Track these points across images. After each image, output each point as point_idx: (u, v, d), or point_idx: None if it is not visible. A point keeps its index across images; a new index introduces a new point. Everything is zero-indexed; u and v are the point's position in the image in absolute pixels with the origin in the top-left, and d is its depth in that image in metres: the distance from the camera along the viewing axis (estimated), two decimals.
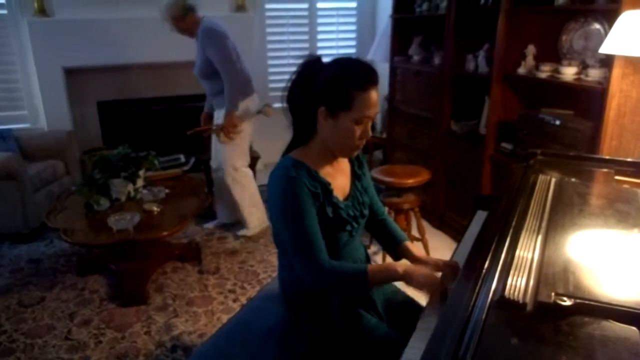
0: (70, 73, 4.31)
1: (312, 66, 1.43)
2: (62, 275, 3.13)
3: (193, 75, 3.45)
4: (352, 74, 1.36)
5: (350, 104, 1.35)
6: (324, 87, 1.37)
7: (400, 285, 1.58)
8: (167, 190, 3.21)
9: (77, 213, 2.99)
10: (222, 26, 3.25)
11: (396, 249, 1.65)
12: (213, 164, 3.60)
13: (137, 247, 2.95)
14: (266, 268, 3.20)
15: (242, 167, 3.53)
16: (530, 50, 2.85)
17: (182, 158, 4.07)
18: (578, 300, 0.97)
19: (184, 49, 3.64)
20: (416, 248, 1.66)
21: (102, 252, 3.18)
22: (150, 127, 4.71)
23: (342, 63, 1.40)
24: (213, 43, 3.16)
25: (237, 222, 3.75)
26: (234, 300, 2.84)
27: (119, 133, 4.49)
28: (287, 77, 1.47)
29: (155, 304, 2.83)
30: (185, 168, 3.84)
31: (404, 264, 1.44)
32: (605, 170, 1.78)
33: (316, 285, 1.42)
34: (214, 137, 3.49)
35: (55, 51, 4.08)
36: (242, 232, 3.65)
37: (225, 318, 2.60)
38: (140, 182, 3.15)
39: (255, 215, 3.64)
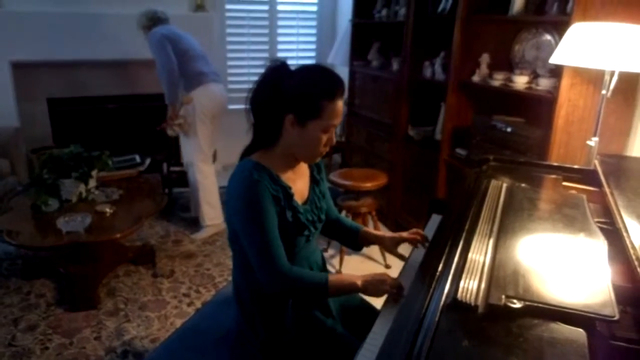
0: (19, 67, 4.13)
1: (278, 72, 1.42)
2: (6, 279, 2.99)
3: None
4: (321, 83, 1.37)
5: (319, 113, 1.36)
6: (293, 96, 1.37)
7: None
8: (121, 192, 3.13)
9: (23, 214, 2.87)
10: (170, 29, 3.43)
11: (356, 239, 1.69)
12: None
13: (88, 249, 2.85)
14: (222, 271, 3.16)
15: (199, 162, 3.55)
16: (485, 58, 2.93)
17: (138, 158, 3.97)
18: (527, 303, 0.99)
19: (141, 47, 3.57)
20: (373, 229, 1.72)
21: (49, 254, 3.06)
22: (104, 126, 4.58)
23: (311, 72, 1.41)
24: (152, 44, 3.37)
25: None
26: (189, 305, 2.79)
27: (70, 131, 4.35)
28: (246, 78, 1.47)
29: (106, 308, 2.74)
30: (141, 169, 3.74)
31: (359, 276, 1.45)
32: (553, 176, 1.85)
33: (275, 290, 1.41)
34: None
35: (3, 44, 3.92)
36: (194, 236, 3.65)
37: (179, 322, 2.55)
38: (92, 183, 3.05)
39: (209, 216, 3.64)
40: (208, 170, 3.61)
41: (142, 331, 2.55)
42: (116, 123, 4.63)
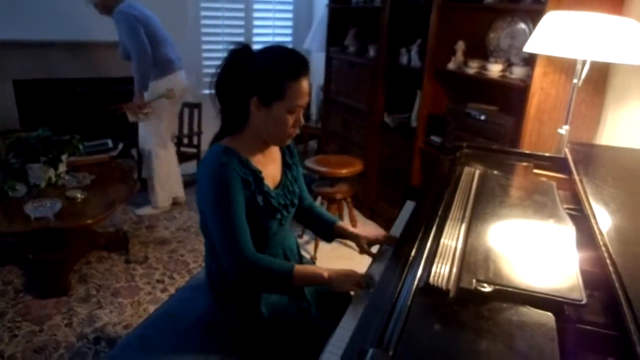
0: None
1: (241, 55, 1.40)
2: None
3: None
4: (284, 63, 1.36)
5: (283, 93, 1.35)
6: (256, 78, 1.36)
7: None
8: (92, 177, 3.06)
9: None
10: (139, 9, 3.33)
11: (331, 232, 1.69)
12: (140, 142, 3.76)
13: (58, 235, 2.80)
14: (197, 257, 3.14)
15: (158, 147, 3.60)
16: (460, 46, 2.95)
17: (110, 143, 3.88)
18: (497, 287, 1.01)
19: (110, 29, 3.48)
20: (349, 225, 1.72)
21: (17, 241, 2.99)
22: (74, 109, 4.46)
23: (273, 52, 1.39)
24: (124, 26, 3.27)
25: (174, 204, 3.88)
26: (162, 291, 2.77)
27: (38, 115, 4.23)
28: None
29: (77, 295, 2.70)
30: (113, 154, 3.67)
31: (326, 269, 1.44)
32: (525, 163, 1.87)
33: (239, 277, 1.41)
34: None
35: None
36: (139, 211, 3.71)
37: (152, 309, 2.52)
38: (62, 168, 2.97)
39: (161, 198, 3.72)
40: (165, 155, 3.67)
41: (114, 317, 2.52)
42: (87, 107, 4.52)
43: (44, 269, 2.75)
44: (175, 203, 3.87)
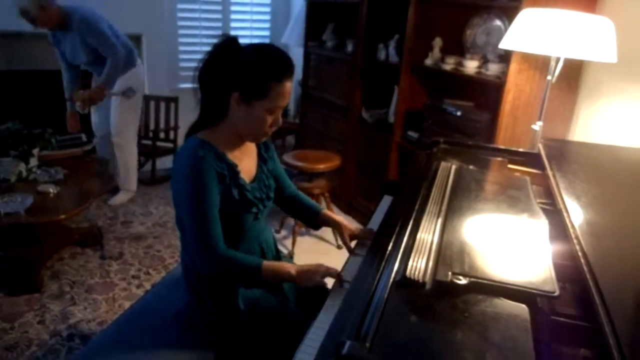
0: None
1: (228, 48, 1.38)
2: None
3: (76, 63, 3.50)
4: (270, 63, 1.35)
5: (265, 93, 1.35)
6: (241, 73, 1.35)
7: None
8: (65, 171, 3.00)
9: None
10: (91, 10, 3.29)
11: (316, 220, 1.71)
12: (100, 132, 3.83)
13: (30, 231, 2.74)
14: (173, 253, 3.11)
15: (132, 136, 3.77)
16: (437, 42, 2.97)
17: (84, 137, 3.82)
18: (472, 279, 1.03)
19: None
20: (334, 213, 1.77)
21: None
22: (46, 102, 4.35)
23: (261, 51, 1.38)
24: (92, 31, 3.20)
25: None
26: (138, 287, 2.73)
27: (7, 107, 4.10)
28: (199, 56, 1.43)
29: (50, 291, 2.65)
30: (87, 148, 3.61)
31: (294, 265, 1.44)
32: (499, 159, 1.90)
33: (208, 270, 1.41)
34: (113, 105, 3.60)
35: None
36: (113, 201, 3.77)
37: (127, 305, 2.49)
38: (34, 162, 2.91)
39: (134, 181, 3.88)
40: (134, 146, 3.83)
41: (88, 314, 2.48)
42: (59, 100, 4.41)
43: (15, 266, 2.69)
44: None
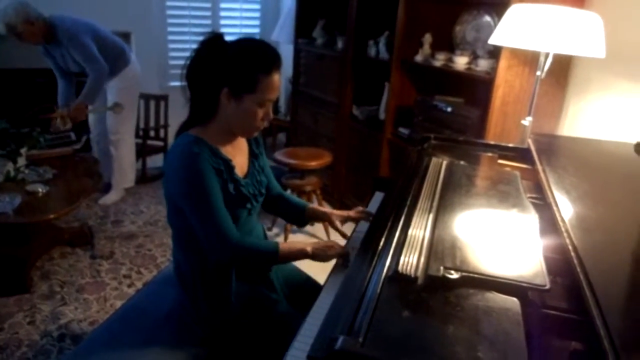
0: None
1: (214, 45, 1.38)
2: None
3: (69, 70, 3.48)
4: (257, 57, 1.35)
5: (254, 87, 1.35)
6: (228, 69, 1.35)
7: (298, 264, 1.64)
8: (54, 171, 2.97)
9: None
10: (75, 22, 3.22)
11: (303, 216, 1.70)
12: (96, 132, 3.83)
13: (19, 231, 2.71)
14: (165, 252, 3.09)
15: (128, 136, 3.77)
16: (427, 38, 2.97)
17: (73, 136, 3.78)
18: (464, 274, 1.03)
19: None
20: (320, 206, 1.75)
21: None
22: (34, 101, 4.30)
23: (247, 45, 1.38)
24: (75, 46, 3.19)
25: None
26: (129, 286, 2.72)
27: None
28: (188, 54, 1.42)
29: (40, 292, 2.62)
30: (77, 147, 3.57)
31: (308, 243, 1.49)
32: (490, 154, 1.91)
33: (227, 260, 1.42)
34: (109, 102, 3.56)
35: None
36: (103, 201, 3.75)
37: (119, 304, 2.47)
38: (22, 161, 2.87)
39: (130, 178, 3.90)
40: (132, 142, 3.84)
41: (79, 314, 2.47)
42: (47, 98, 4.37)
43: (4, 266, 2.66)
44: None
